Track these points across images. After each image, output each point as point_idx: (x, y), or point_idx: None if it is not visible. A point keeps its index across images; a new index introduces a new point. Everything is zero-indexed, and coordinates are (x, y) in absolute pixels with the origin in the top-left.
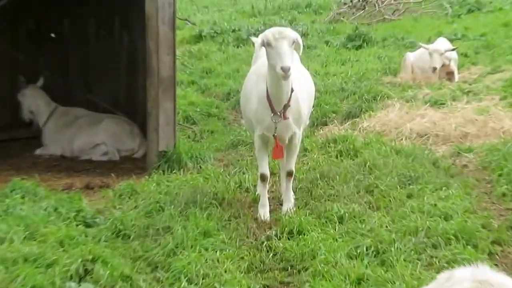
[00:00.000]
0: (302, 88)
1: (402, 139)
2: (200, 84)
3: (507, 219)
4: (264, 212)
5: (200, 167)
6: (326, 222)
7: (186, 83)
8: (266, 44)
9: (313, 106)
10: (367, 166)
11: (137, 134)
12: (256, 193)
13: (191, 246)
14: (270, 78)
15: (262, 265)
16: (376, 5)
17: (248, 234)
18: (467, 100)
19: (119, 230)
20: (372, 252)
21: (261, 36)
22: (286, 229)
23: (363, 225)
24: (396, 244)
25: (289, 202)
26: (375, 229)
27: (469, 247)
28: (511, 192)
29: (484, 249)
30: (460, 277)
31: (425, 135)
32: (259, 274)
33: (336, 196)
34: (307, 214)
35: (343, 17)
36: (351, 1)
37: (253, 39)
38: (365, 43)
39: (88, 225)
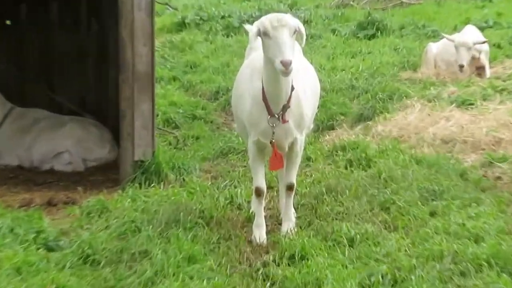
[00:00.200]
0: (305, 86)
1: (423, 146)
2: (183, 80)
3: None
4: (259, 233)
5: (184, 179)
6: (333, 245)
7: (167, 80)
8: (263, 34)
9: (317, 107)
10: (382, 178)
11: (108, 140)
12: (250, 211)
13: (173, 274)
14: (267, 74)
15: None
16: None
17: (241, 259)
18: (500, 99)
19: (87, 255)
20: (389, 281)
21: (256, 24)
22: (286, 253)
23: (378, 249)
24: (417, 272)
25: (289, 221)
26: (392, 253)
27: (504, 274)
28: None
29: None
30: None
31: (451, 141)
32: None
33: (346, 214)
34: (311, 236)
35: (352, 1)
36: None
37: (247, 27)
38: (379, 32)
39: (50, 249)
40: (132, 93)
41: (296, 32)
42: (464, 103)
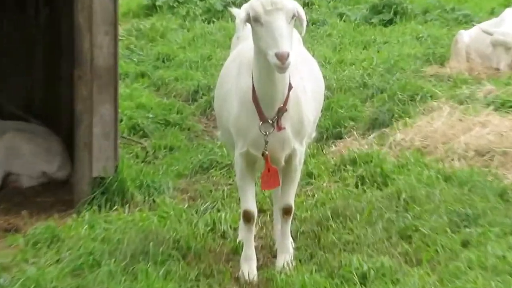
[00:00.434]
0: (306, 84)
1: (453, 159)
2: (153, 77)
3: None
4: (249, 268)
5: (154, 201)
6: (341, 283)
7: (133, 76)
8: (253, 20)
9: (321, 111)
10: (401, 199)
11: (58, 152)
12: (238, 240)
13: None
14: (259, 70)
15: None
16: None
17: None
18: None
19: None
20: None
21: (245, 7)
22: None
23: None
24: None
25: (286, 253)
26: None
27: None
28: None
29: None
30: None
31: (488, 153)
32: None
33: (357, 244)
34: (313, 271)
35: None
36: None
37: (233, 11)
38: (397, 17)
39: None
40: (90, 93)
41: (295, 17)
42: (504, 106)
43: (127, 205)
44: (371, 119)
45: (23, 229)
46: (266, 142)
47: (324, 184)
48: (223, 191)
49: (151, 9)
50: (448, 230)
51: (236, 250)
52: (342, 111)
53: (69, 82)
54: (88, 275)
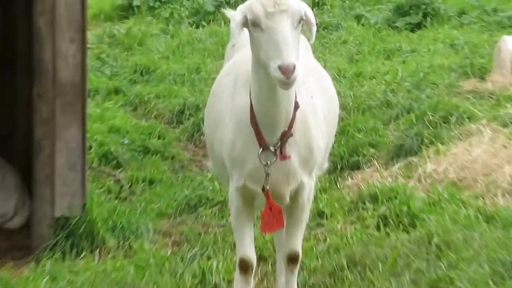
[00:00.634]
0: (316, 103)
1: (496, 195)
2: (129, 94)
3: None
4: None
5: (130, 246)
6: None
7: (105, 93)
8: (251, 24)
9: (335, 135)
10: (433, 244)
11: (12, 187)
12: None
13: None
14: (258, 86)
15: None
16: None
17: None
18: None
19: None
20: None
21: (241, 8)
22: None
23: None
24: None
25: None
26: None
27: None
28: None
29: None
30: None
31: None
32: None
33: None
34: None
35: None
36: None
37: (227, 13)
38: (427, 20)
39: None
40: (53, 114)
41: (302, 21)
42: None
43: (97, 251)
44: (396, 146)
45: None
46: (268, 174)
47: (338, 226)
48: (214, 234)
49: (127, 11)
50: (490, 282)
51: None
52: (360, 136)
53: (26, 101)
54: None
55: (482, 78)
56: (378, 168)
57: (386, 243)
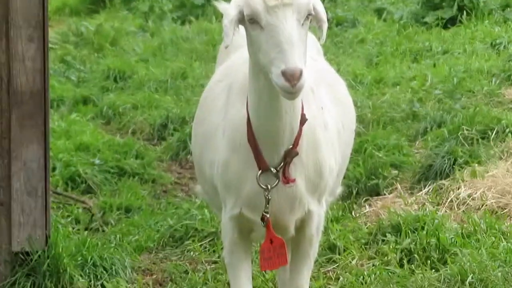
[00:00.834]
0: (327, 116)
1: None
2: (101, 105)
3: None
4: None
5: (103, 286)
6: None
7: (71, 103)
8: (249, 21)
9: (350, 154)
10: (467, 284)
11: None
12: None
13: None
14: (257, 95)
15: None
16: None
17: None
18: None
19: None
20: None
21: (237, 2)
22: None
23: None
24: None
25: None
26: None
27: None
28: None
29: None
30: None
31: None
32: None
33: None
34: None
35: None
36: None
37: (220, 6)
38: (463, 15)
39: None
40: (7, 129)
41: (310, 17)
42: None
43: None
44: (423, 167)
45: None
46: (268, 201)
47: (354, 262)
48: (204, 272)
49: (96, 3)
50: None
51: None
52: (380, 155)
53: None
54: None
55: None
56: (402, 193)
57: (411, 282)
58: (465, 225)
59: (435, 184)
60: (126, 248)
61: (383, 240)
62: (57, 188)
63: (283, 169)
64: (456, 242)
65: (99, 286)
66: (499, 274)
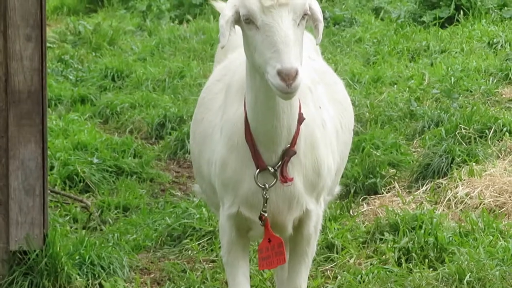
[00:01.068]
0: (325, 116)
1: None
2: (99, 104)
3: None
4: None
5: (101, 286)
6: None
7: (69, 103)
8: (245, 21)
9: (348, 154)
10: (465, 283)
11: None
12: None
13: None
14: (254, 95)
15: None
16: None
17: None
18: None
19: None
20: None
21: (233, 2)
22: None
23: None
24: None
25: None
26: None
27: None
28: None
29: None
30: None
31: None
32: None
33: None
34: None
35: None
36: None
37: (218, 5)
38: (460, 14)
39: None
40: (5, 128)
41: (306, 17)
42: None
43: None
44: (421, 166)
45: None
46: (266, 200)
47: (352, 261)
48: (202, 271)
49: (95, 3)
50: None
51: None
52: (378, 154)
53: None
54: None
55: None
56: (399, 192)
57: (409, 281)
58: (463, 224)
59: (432, 183)
60: (124, 247)
61: (381, 239)
62: (55, 187)
63: (281, 168)
64: (454, 241)
65: (97, 285)
66: (497, 273)
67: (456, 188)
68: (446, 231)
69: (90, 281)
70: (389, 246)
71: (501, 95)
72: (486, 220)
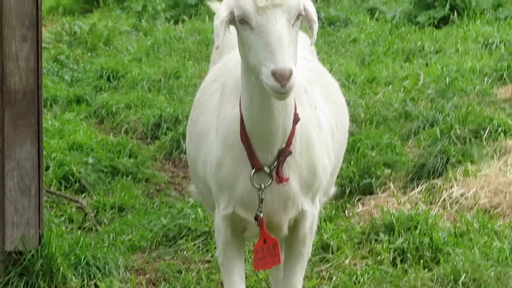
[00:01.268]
0: (320, 116)
1: None
2: (94, 104)
3: None
4: None
5: (97, 286)
6: None
7: (65, 103)
8: (240, 21)
9: (343, 154)
10: (460, 283)
11: None
12: None
13: None
14: (249, 95)
15: None
16: None
17: None
18: None
19: None
20: None
21: (228, 2)
22: None
23: None
24: None
25: None
26: None
27: None
28: None
29: None
30: None
31: None
32: None
33: None
34: None
35: None
36: None
37: (213, 6)
38: (455, 14)
39: None
40: (1, 129)
41: (301, 17)
42: None
43: None
44: (416, 166)
45: None
46: (261, 200)
47: (347, 261)
48: (198, 271)
49: (90, 3)
50: None
51: None
52: (373, 154)
53: None
54: None
55: None
56: (395, 192)
57: (404, 282)
58: (458, 225)
59: (428, 183)
60: (120, 247)
61: (376, 240)
62: (50, 187)
63: (277, 168)
64: (449, 241)
65: (93, 285)
66: (492, 273)
67: (451, 188)
68: (441, 231)
69: (86, 281)
70: (384, 246)
71: (496, 96)
72: (481, 220)
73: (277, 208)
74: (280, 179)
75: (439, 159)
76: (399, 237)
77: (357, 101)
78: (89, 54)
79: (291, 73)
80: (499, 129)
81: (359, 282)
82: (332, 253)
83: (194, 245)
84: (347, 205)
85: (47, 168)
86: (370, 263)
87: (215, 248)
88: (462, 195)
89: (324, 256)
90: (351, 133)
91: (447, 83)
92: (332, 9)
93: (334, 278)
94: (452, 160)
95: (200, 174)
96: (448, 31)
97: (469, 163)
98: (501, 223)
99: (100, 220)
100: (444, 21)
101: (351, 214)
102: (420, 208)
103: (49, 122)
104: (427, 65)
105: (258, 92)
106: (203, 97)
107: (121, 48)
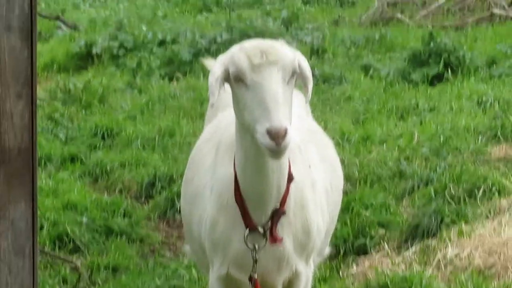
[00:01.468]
0: (315, 176)
1: None
2: (88, 163)
3: None
4: None
5: None
6: None
7: (59, 161)
8: (234, 79)
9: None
10: None
11: None
12: None
13: None
14: (243, 154)
15: None
16: None
17: None
18: None
19: None
20: None
21: (222, 60)
22: None
23: None
24: None
25: None
26: None
27: None
28: None
29: None
30: None
31: None
32: None
33: None
34: None
35: (401, 13)
36: None
37: (208, 63)
38: (449, 71)
39: None
40: None
41: (296, 75)
42: None
43: None
44: (410, 226)
45: None
46: (255, 261)
47: None
48: None
49: (85, 60)
50: None
51: None
52: (367, 214)
53: None
54: None
55: None
56: (389, 252)
57: None
58: (452, 286)
59: (422, 243)
60: None
61: None
62: (44, 247)
63: (271, 228)
64: None
65: None
66: None
67: (445, 248)
68: None
69: None
70: None
71: (490, 154)
72: (475, 282)
73: (271, 269)
74: (274, 239)
75: (433, 219)
76: None
77: (351, 159)
78: (84, 111)
79: (286, 132)
80: (493, 188)
81: None
82: None
83: None
84: (342, 265)
85: (41, 227)
86: None
87: None
88: (456, 255)
89: None
90: (345, 192)
91: (441, 141)
92: (326, 66)
93: None
94: (447, 220)
95: (194, 233)
96: (442, 89)
97: (463, 223)
98: (495, 283)
99: (94, 280)
100: (438, 79)
101: (345, 275)
102: (415, 269)
103: (43, 181)
104: (421, 123)
105: (252, 150)
106: (198, 156)
107: (115, 106)
